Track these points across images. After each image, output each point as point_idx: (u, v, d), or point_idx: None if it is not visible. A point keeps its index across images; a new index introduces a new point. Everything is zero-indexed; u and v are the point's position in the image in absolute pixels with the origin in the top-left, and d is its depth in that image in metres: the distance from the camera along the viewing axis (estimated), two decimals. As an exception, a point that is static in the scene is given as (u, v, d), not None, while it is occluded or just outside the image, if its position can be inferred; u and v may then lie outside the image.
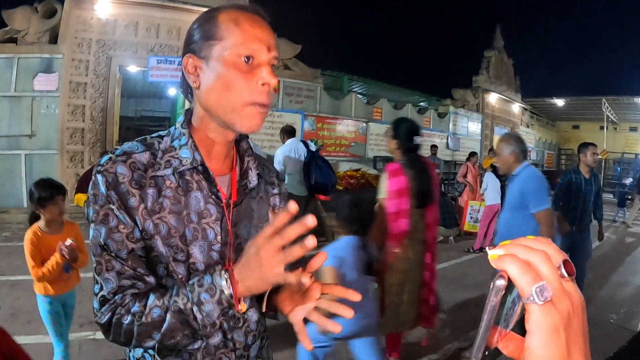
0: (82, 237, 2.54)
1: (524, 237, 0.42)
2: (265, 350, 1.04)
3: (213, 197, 0.89)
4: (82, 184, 6.65)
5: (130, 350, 0.95)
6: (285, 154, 5.44)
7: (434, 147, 10.18)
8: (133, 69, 8.37)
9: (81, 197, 6.53)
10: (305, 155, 5.55)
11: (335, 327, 0.78)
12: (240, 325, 0.94)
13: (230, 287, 0.76)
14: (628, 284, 5.48)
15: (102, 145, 7.63)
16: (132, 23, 7.85)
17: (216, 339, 0.90)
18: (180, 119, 0.93)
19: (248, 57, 0.83)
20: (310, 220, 0.69)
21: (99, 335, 3.27)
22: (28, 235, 2.50)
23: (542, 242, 0.41)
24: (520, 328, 0.41)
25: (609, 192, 17.69)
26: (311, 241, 0.69)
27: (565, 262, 0.40)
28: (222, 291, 0.76)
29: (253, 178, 0.98)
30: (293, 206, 0.71)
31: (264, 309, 0.90)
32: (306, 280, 0.76)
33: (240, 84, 0.83)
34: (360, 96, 12.12)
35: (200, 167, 0.88)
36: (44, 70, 7.39)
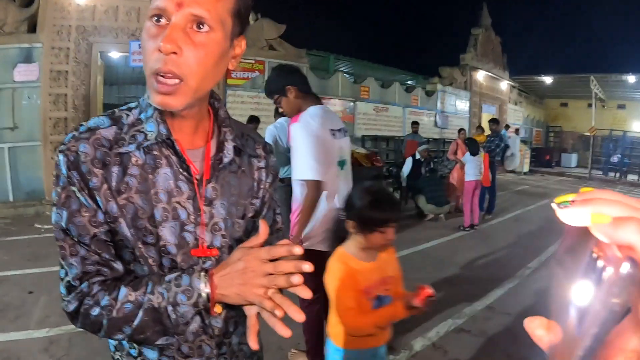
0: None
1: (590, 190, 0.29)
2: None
3: (184, 173, 0.82)
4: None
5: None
6: (275, 133, 5.36)
7: (414, 124, 10.16)
8: (115, 54, 8.19)
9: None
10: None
11: (284, 331, 0.72)
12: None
13: (209, 291, 0.73)
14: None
15: (86, 134, 7.50)
16: (112, 7, 7.63)
17: (194, 325, 0.86)
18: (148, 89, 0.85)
19: (157, 18, 0.71)
20: (308, 267, 0.68)
21: (89, 327, 3.24)
22: (336, 264, 1.70)
23: (619, 194, 0.28)
24: None
25: (597, 168, 17.88)
26: (297, 279, 0.68)
27: None
28: (199, 294, 0.74)
29: (229, 151, 0.87)
30: (298, 250, 0.70)
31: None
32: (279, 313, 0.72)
33: (146, 50, 0.73)
34: (347, 75, 12.03)
35: (167, 141, 0.81)
36: (23, 60, 7.18)
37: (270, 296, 0.72)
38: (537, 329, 0.35)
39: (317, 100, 2.59)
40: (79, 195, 0.76)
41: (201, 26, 0.72)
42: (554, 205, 0.29)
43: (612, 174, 17.49)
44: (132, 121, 0.82)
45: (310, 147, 2.30)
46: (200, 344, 0.87)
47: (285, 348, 2.99)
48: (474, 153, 6.96)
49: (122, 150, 0.78)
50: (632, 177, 16.82)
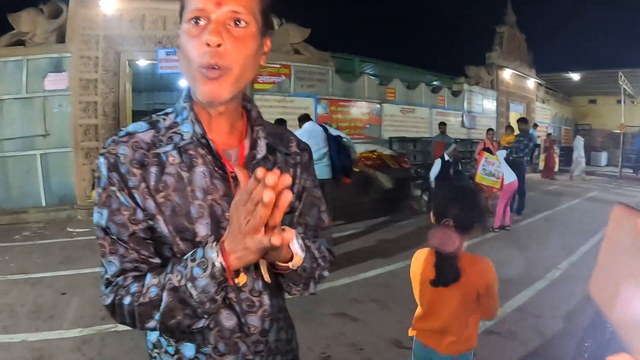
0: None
1: None
2: (285, 333, 0.99)
3: (219, 171, 0.84)
4: (98, 179, 6.72)
5: (147, 334, 0.94)
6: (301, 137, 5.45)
7: (442, 124, 10.03)
8: (142, 62, 8.38)
9: (98, 192, 6.60)
10: (325, 138, 5.54)
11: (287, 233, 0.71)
12: (255, 309, 0.88)
13: (222, 259, 0.72)
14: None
15: (115, 140, 7.68)
16: (138, 17, 7.82)
17: (230, 322, 0.86)
18: (184, 92, 0.89)
19: (196, 19, 0.77)
20: (271, 178, 0.62)
21: (121, 327, 3.29)
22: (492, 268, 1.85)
23: None
24: None
25: (628, 167, 17.31)
26: (267, 195, 0.62)
27: None
28: (213, 264, 0.72)
29: (262, 148, 0.90)
30: (259, 172, 0.64)
31: (267, 279, 0.86)
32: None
33: (190, 49, 0.78)
34: (372, 77, 11.97)
35: (203, 140, 0.83)
36: (53, 69, 7.44)
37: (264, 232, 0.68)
38: None
39: None
40: (118, 194, 0.80)
41: (238, 22, 0.78)
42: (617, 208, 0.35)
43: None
44: (168, 124, 0.86)
45: None
46: (236, 342, 0.87)
47: (314, 349, 2.99)
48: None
49: (159, 150, 0.82)
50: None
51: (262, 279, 0.89)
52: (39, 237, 5.94)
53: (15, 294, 3.92)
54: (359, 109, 11.23)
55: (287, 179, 0.64)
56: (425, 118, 13.08)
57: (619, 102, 18.65)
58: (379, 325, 3.46)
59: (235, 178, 0.84)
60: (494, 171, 6.82)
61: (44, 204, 7.37)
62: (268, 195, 0.62)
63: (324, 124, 5.87)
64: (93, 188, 6.87)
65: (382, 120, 11.77)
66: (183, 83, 11.66)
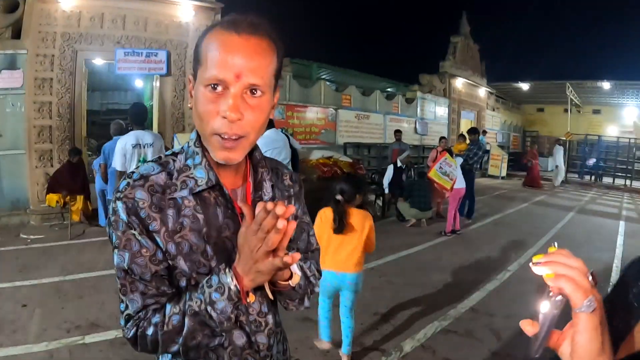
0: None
1: (554, 250, 0.57)
2: (282, 345, 1.11)
3: (230, 211, 0.93)
4: (53, 184, 6.51)
5: (158, 358, 1.01)
6: (262, 145, 5.43)
7: (397, 132, 10.36)
8: (99, 61, 8.15)
9: (52, 197, 6.40)
10: (287, 148, 5.52)
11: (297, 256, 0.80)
12: (262, 328, 1.01)
13: (236, 283, 0.82)
14: (596, 260, 5.79)
15: (70, 142, 7.40)
16: (98, 15, 7.59)
17: (241, 340, 0.97)
18: (193, 136, 0.95)
19: (214, 85, 0.82)
20: (280, 209, 0.75)
21: (88, 339, 3.29)
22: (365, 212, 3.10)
23: (569, 256, 0.57)
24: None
25: (573, 172, 18.42)
26: (281, 223, 0.75)
27: (592, 274, 0.56)
28: (229, 288, 0.82)
29: (267, 190, 1.01)
30: (270, 205, 0.76)
31: (270, 297, 0.98)
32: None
33: (206, 114, 0.84)
34: (329, 83, 12.18)
35: (216, 186, 0.92)
36: (7, 67, 7.08)
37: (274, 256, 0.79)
38: (527, 326, 0.59)
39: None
40: (139, 237, 0.86)
41: (255, 92, 0.84)
42: (530, 264, 0.57)
43: (587, 177, 18.03)
44: (179, 167, 0.92)
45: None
46: (246, 357, 0.99)
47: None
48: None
49: (175, 195, 0.89)
50: (607, 180, 17.46)
51: (267, 302, 1.02)
52: (-5, 244, 5.70)
53: (-27, 306, 3.77)
54: (315, 114, 11.40)
55: (292, 209, 0.77)
56: (379, 124, 13.44)
57: (565, 111, 19.79)
58: (340, 328, 3.61)
59: (243, 215, 0.93)
60: (449, 172, 7.16)
61: (-5, 207, 7.04)
62: (282, 223, 0.75)
63: (286, 133, 5.90)
64: (47, 193, 6.62)
65: (337, 125, 12.01)
66: (139, 83, 11.43)
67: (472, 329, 3.68)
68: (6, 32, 7.11)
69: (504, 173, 16.76)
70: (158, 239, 0.87)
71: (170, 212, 0.88)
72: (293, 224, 0.77)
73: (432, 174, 7.22)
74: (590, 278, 0.55)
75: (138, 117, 4.84)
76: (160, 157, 0.95)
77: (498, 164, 16.61)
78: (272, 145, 5.13)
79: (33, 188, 7.15)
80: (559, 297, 0.54)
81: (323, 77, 12.58)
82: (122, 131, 5.67)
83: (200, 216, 0.90)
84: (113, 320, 3.55)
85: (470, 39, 18.02)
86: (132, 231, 0.85)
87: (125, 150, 4.48)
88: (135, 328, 0.87)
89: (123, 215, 0.85)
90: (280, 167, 1.12)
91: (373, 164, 12.31)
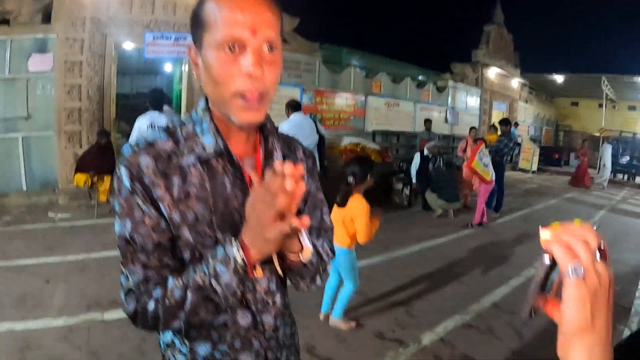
0: None
1: (571, 222, 0.55)
2: (289, 328, 1.06)
3: (238, 181, 0.88)
4: (81, 165, 6.65)
5: (160, 334, 0.97)
6: (287, 130, 5.41)
7: (427, 121, 10.16)
8: (129, 46, 8.23)
9: (80, 178, 6.53)
10: (314, 134, 5.50)
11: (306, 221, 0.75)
12: (269, 307, 0.95)
13: (242, 253, 0.77)
14: (624, 262, 5.54)
15: (99, 124, 7.54)
16: (127, 0, 7.69)
17: (246, 320, 0.92)
18: (201, 103, 0.91)
19: (231, 46, 0.78)
20: (289, 167, 0.70)
21: (107, 316, 3.33)
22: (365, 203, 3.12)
23: (584, 228, 0.54)
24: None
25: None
26: (289, 183, 0.70)
27: (599, 248, 0.52)
28: (235, 260, 0.77)
29: (278, 159, 0.95)
30: (278, 165, 0.71)
31: (280, 272, 0.91)
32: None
33: (226, 77, 0.80)
34: (359, 70, 11.99)
35: (224, 153, 0.87)
36: (38, 50, 7.23)
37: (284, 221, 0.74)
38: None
39: None
40: (142, 205, 0.81)
41: (271, 47, 0.82)
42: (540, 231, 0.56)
43: (620, 176, 17.25)
44: (187, 134, 0.88)
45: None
46: (250, 339, 0.93)
47: (299, 340, 3.06)
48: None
49: (181, 161, 0.85)
50: (640, 180, 16.66)
51: (275, 280, 0.96)
52: (20, 222, 5.85)
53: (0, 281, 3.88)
54: (344, 101, 11.25)
55: (301, 169, 0.72)
56: (409, 112, 13.19)
57: (600, 106, 19.06)
58: (361, 316, 3.56)
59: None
60: (487, 163, 6.96)
61: (25, 188, 7.23)
62: (290, 183, 0.70)
63: (314, 119, 5.84)
64: (75, 173, 6.76)
65: (366, 112, 11.82)
66: (168, 67, 11.57)
67: (494, 325, 3.56)
68: (36, 16, 7.24)
69: (534, 167, 16.27)
70: (162, 207, 0.82)
71: (176, 179, 0.83)
72: (302, 185, 0.72)
73: (475, 164, 6.94)
74: (597, 252, 0.52)
75: (156, 101, 5.22)
76: (168, 126, 0.90)
77: (529, 157, 16.11)
78: (299, 129, 5.10)
79: (62, 168, 7.30)
80: (545, 260, 0.54)
81: (353, 63, 12.41)
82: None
83: (207, 185, 0.85)
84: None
85: (504, 28, 17.47)
86: (136, 198, 0.81)
87: (140, 131, 4.81)
88: (135, 302, 0.83)
89: (126, 181, 0.81)
90: (292, 141, 1.07)
91: (401, 152, 12.09)
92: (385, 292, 4.05)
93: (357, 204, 3.10)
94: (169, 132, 0.88)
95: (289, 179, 0.70)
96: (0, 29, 7.06)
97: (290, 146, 1.04)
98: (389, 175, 8.32)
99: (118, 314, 3.32)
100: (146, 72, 14.73)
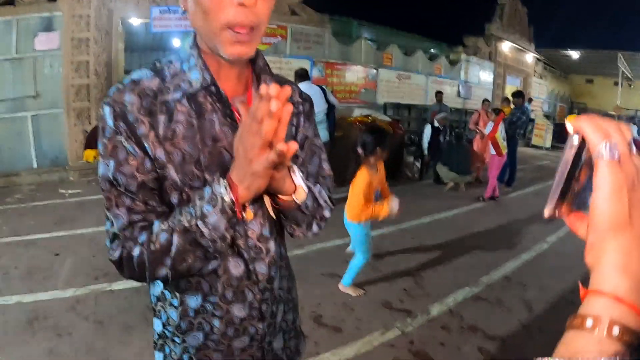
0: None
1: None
2: (286, 281, 1.01)
3: (228, 119, 0.83)
4: (90, 140, 6.68)
5: (150, 287, 0.95)
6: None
7: (439, 93, 9.96)
8: (135, 21, 8.16)
9: (90, 153, 6.58)
10: (322, 102, 5.45)
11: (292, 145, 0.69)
12: (262, 255, 0.90)
13: (230, 192, 0.72)
14: None
15: (108, 101, 7.55)
16: (132, -27, 7.59)
17: (238, 269, 0.87)
18: (190, 40, 0.87)
19: None
20: (274, 88, 0.64)
21: (115, 286, 3.35)
22: (362, 174, 3.02)
23: (616, 122, 0.45)
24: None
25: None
26: (275, 105, 0.64)
27: (635, 139, 0.44)
28: (222, 199, 0.73)
29: None
30: (263, 88, 0.65)
31: (271, 214, 0.88)
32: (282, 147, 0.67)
33: (215, 6, 0.75)
34: (369, 42, 11.78)
35: (212, 88, 0.82)
36: (44, 29, 7.21)
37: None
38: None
39: None
40: (125, 144, 0.77)
41: None
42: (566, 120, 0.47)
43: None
44: (174, 72, 0.84)
45: None
46: (243, 290, 0.88)
47: (305, 308, 3.05)
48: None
49: (167, 98, 0.80)
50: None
51: (269, 226, 0.90)
52: (31, 199, 5.90)
53: (9, 256, 3.91)
54: (355, 73, 11.09)
55: (288, 90, 0.66)
56: (421, 85, 12.99)
57: (616, 84, 18.59)
58: (369, 286, 3.53)
59: None
60: (504, 136, 6.83)
61: (35, 166, 7.29)
62: (276, 104, 0.64)
63: (323, 87, 5.75)
64: (85, 149, 6.80)
65: (377, 85, 11.67)
66: (176, 42, 11.46)
67: (503, 298, 3.51)
68: (41, -6, 7.19)
69: (548, 144, 15.99)
70: (146, 145, 0.78)
71: (162, 117, 0.80)
72: (289, 108, 0.66)
73: (497, 135, 6.78)
74: (633, 143, 0.43)
75: None
76: (155, 64, 0.86)
77: (542, 134, 15.82)
78: None
79: (71, 145, 7.34)
80: (574, 137, 0.44)
81: (363, 35, 12.18)
82: None
83: (195, 122, 0.81)
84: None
85: (519, 1, 16.99)
86: (119, 137, 0.77)
87: None
88: (120, 249, 0.79)
89: (110, 120, 0.77)
90: (288, 82, 1.01)
91: (413, 125, 11.93)
92: (394, 263, 4.02)
93: (357, 177, 3.03)
94: (155, 70, 0.84)
95: (275, 101, 0.64)
96: (5, 9, 7.05)
97: (284, 86, 0.98)
98: (400, 148, 8.22)
99: (125, 284, 3.34)
100: (154, 48, 14.63)
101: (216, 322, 0.88)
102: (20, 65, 7.21)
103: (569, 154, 0.45)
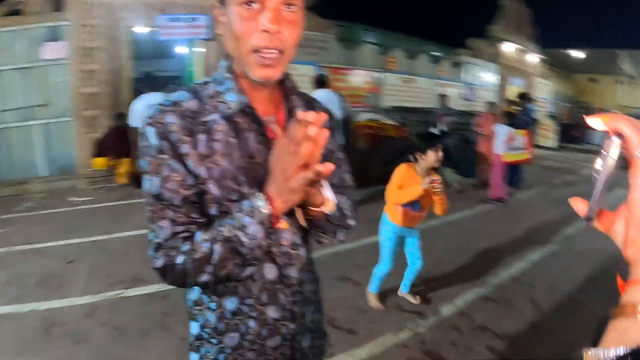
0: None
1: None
2: (314, 284, 1.08)
3: (262, 137, 0.90)
4: (100, 148, 6.76)
5: (187, 292, 1.00)
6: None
7: (442, 96, 9.98)
8: (142, 29, 8.25)
9: (99, 161, 6.65)
10: (339, 110, 5.48)
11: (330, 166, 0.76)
12: (293, 261, 0.97)
13: (268, 205, 0.79)
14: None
15: (116, 108, 7.61)
16: (139, -17, 7.68)
17: (272, 274, 0.94)
18: (223, 64, 0.93)
19: (249, 3, 0.81)
20: (312, 115, 0.71)
21: (130, 292, 3.41)
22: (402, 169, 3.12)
23: None
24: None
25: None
26: (313, 130, 0.71)
27: None
28: (260, 211, 0.79)
29: None
30: (301, 114, 0.72)
31: (303, 223, 0.94)
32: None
33: (244, 32, 0.82)
34: (373, 46, 11.86)
35: (247, 110, 0.89)
36: (51, 38, 7.33)
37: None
38: (578, 203, 0.51)
39: None
40: (169, 162, 0.84)
41: (290, 6, 0.83)
42: (587, 118, 0.49)
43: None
44: (210, 94, 0.90)
45: None
46: (276, 292, 0.95)
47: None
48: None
49: (206, 119, 0.87)
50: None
51: (300, 235, 0.97)
52: (42, 207, 5.98)
53: (23, 265, 3.98)
54: (360, 78, 11.19)
55: (324, 116, 0.73)
56: (425, 88, 13.05)
57: (619, 82, 18.58)
58: (381, 289, 3.56)
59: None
60: (519, 144, 6.85)
61: (45, 174, 7.39)
62: (314, 129, 0.71)
63: (340, 94, 5.80)
64: (94, 157, 6.87)
65: (382, 89, 11.75)
66: (182, 50, 11.55)
67: (512, 298, 3.54)
68: (47, 5, 7.30)
69: (553, 144, 15.99)
70: (189, 163, 0.84)
71: (202, 136, 0.86)
72: (325, 132, 0.74)
73: (506, 157, 6.79)
74: None
75: (151, 83, 5.94)
76: (191, 87, 0.93)
77: (547, 134, 15.84)
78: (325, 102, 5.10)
79: (81, 153, 7.43)
80: (615, 139, 0.45)
81: (368, 39, 12.27)
82: None
83: (232, 140, 0.88)
84: (155, 275, 3.61)
85: (522, 2, 17.03)
86: (163, 156, 0.84)
87: (137, 110, 5.31)
88: (164, 257, 0.85)
89: (154, 139, 0.84)
90: (313, 100, 1.09)
91: (418, 128, 11.99)
92: (405, 264, 4.05)
93: (396, 170, 3.15)
94: (193, 91, 0.90)
95: (313, 127, 0.71)
96: (12, 20, 7.16)
97: (311, 104, 1.06)
98: (406, 151, 8.25)
99: (140, 290, 3.40)
100: (160, 56, 14.73)
101: (252, 323, 0.94)
102: (29, 74, 7.33)
103: (613, 154, 0.46)
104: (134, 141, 5.78)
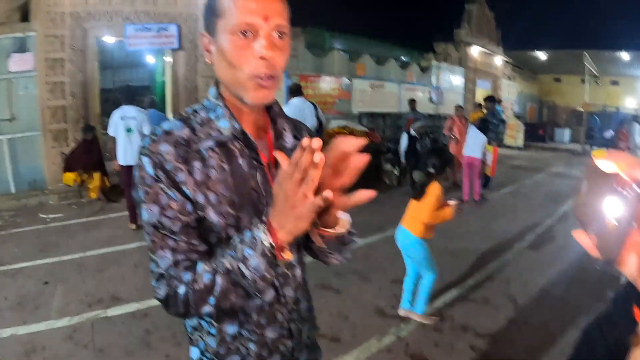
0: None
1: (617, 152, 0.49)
2: (308, 302, 1.11)
3: (254, 162, 0.92)
4: (69, 163, 6.60)
5: (186, 319, 1.00)
6: (289, 115, 5.42)
7: (412, 101, 10.17)
8: (110, 39, 8.10)
9: (69, 176, 6.49)
10: (313, 118, 5.50)
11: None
12: (289, 280, 0.99)
13: (269, 236, 0.78)
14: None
15: (85, 121, 7.44)
16: (106, -8, 7.54)
17: (270, 295, 0.95)
18: (212, 91, 0.95)
19: (244, 32, 0.83)
20: (316, 142, 0.71)
21: (110, 312, 3.35)
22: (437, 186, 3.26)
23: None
24: None
25: (590, 144, 18.00)
26: (318, 156, 0.70)
27: None
28: (262, 242, 0.78)
29: (288, 138, 1.02)
30: (305, 141, 0.71)
31: (319, 244, 0.91)
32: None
33: (240, 60, 0.85)
34: (342, 52, 11.99)
35: (240, 135, 0.91)
36: (17, 50, 7.10)
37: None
38: (582, 236, 0.50)
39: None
40: (167, 190, 0.84)
41: (281, 34, 0.87)
42: (593, 157, 0.48)
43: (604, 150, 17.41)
44: (202, 120, 0.92)
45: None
46: (274, 312, 0.97)
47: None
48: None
49: (200, 146, 0.89)
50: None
51: (295, 255, 1.00)
52: (12, 226, 5.78)
53: (-3, 287, 3.83)
54: (329, 84, 11.26)
55: (320, 142, 0.73)
56: (394, 93, 13.24)
57: (583, 81, 19.22)
58: (361, 294, 3.65)
59: (269, 165, 0.94)
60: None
61: (13, 190, 7.14)
62: (319, 156, 0.71)
63: (314, 103, 5.83)
64: (64, 172, 6.69)
65: (352, 95, 11.86)
66: (151, 59, 11.41)
67: (489, 296, 3.68)
68: (14, 15, 7.10)
69: (520, 143, 16.48)
70: (186, 190, 0.85)
71: (197, 164, 0.87)
72: (324, 156, 0.74)
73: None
74: None
75: (127, 96, 6.16)
76: (181, 115, 0.94)
77: (514, 134, 16.32)
78: (299, 114, 5.13)
79: (50, 168, 7.23)
80: (636, 187, 0.43)
81: (336, 46, 12.37)
82: (154, 104, 6.82)
83: (226, 166, 0.89)
84: (134, 293, 3.60)
85: (486, 6, 17.52)
86: (160, 184, 0.84)
87: (114, 121, 5.35)
88: (166, 287, 0.84)
89: (149, 169, 0.84)
90: (298, 123, 1.12)
91: (388, 133, 12.14)
92: (382, 270, 4.13)
93: (431, 187, 3.22)
94: (184, 120, 0.92)
95: (318, 153, 0.71)
96: (-23, 30, 6.90)
97: (297, 127, 1.09)
98: (377, 156, 8.36)
99: (121, 309, 3.35)
100: (129, 66, 14.51)
101: (252, 346, 0.96)
102: (-6, 87, 7.07)
103: (634, 199, 0.44)
104: (111, 149, 5.67)
